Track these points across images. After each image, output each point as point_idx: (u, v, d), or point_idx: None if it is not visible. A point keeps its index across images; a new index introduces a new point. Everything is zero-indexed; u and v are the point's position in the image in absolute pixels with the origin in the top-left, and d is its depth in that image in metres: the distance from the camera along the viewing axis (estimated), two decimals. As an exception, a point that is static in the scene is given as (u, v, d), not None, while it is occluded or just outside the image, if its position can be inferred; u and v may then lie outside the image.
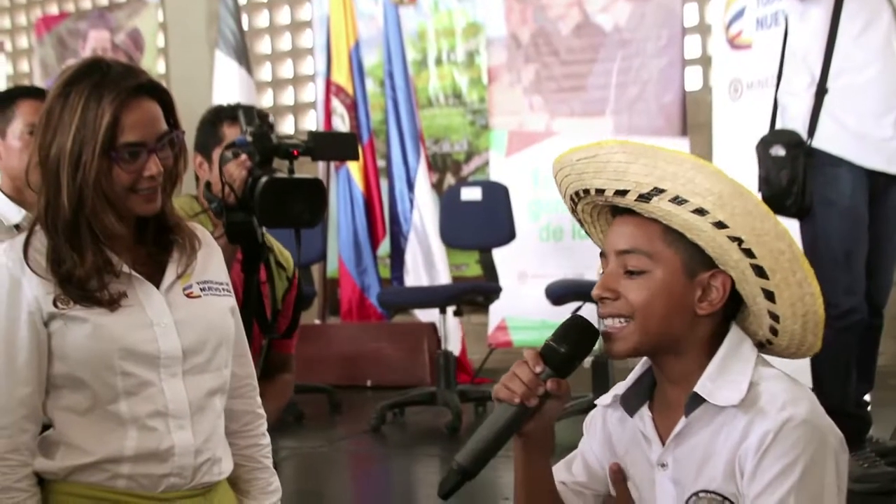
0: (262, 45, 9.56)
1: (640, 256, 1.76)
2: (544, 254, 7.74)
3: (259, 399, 2.38)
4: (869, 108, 4.31)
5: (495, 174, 7.94)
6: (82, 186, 2.04)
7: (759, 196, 1.72)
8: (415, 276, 7.76)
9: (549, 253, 7.73)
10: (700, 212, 1.68)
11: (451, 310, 6.33)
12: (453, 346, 7.23)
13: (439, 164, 8.58)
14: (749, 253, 1.69)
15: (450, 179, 8.55)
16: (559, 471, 1.99)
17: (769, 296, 1.72)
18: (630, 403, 1.87)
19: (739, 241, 1.68)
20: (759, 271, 1.70)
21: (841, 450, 1.70)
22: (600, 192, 1.79)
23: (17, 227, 2.96)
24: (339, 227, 8.05)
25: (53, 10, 10.43)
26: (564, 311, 6.02)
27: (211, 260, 2.26)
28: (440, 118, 8.62)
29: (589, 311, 5.83)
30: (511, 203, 6.71)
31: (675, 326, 1.76)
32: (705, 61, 7.89)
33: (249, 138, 2.88)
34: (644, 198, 1.72)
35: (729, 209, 1.67)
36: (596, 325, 1.84)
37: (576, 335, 1.81)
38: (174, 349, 2.11)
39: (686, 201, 1.68)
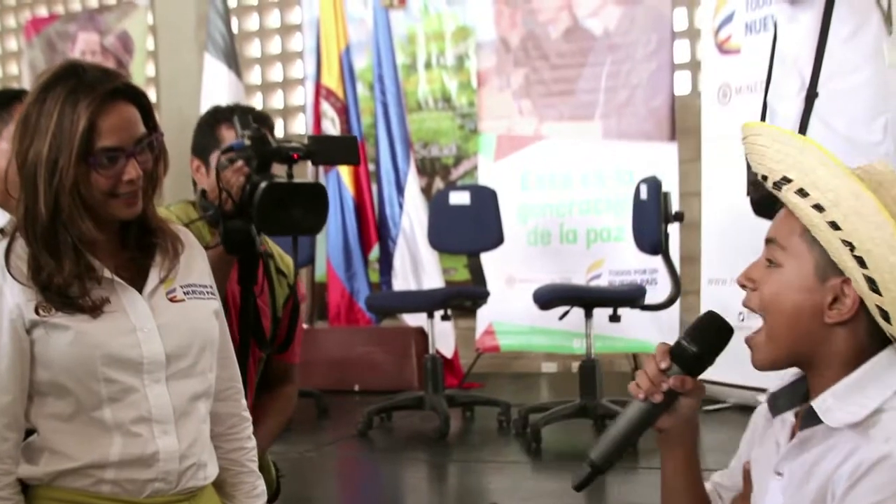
0: (252, 49, 9.55)
1: (777, 248, 1.67)
2: (532, 258, 7.74)
3: (244, 402, 2.37)
4: (859, 113, 4.34)
5: (484, 178, 7.94)
6: (59, 192, 2.02)
7: (874, 199, 1.58)
8: (403, 280, 7.76)
9: (537, 257, 7.74)
10: (818, 208, 1.59)
11: (438, 314, 6.32)
12: (445, 349, 7.23)
13: (428, 168, 8.58)
14: (861, 262, 1.57)
15: (438, 183, 8.54)
16: (722, 472, 1.93)
17: (884, 315, 1.59)
18: (777, 403, 1.76)
19: (852, 246, 1.57)
20: (872, 284, 1.57)
21: None
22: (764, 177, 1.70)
23: (1, 231, 2.94)
24: (329, 231, 8.04)
25: (42, 12, 10.40)
26: (552, 316, 6.03)
27: (194, 263, 2.25)
28: (429, 122, 8.62)
29: (576, 316, 5.85)
30: (499, 207, 6.71)
31: (804, 332, 1.65)
32: (694, 66, 7.90)
33: (247, 142, 2.81)
34: (776, 186, 1.65)
35: (844, 209, 1.57)
36: (730, 322, 1.77)
37: (709, 334, 1.76)
38: (157, 354, 2.10)
39: (808, 195, 1.60)
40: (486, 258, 6.71)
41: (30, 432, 2.12)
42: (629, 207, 6.16)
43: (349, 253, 8.01)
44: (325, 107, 8.08)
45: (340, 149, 3.14)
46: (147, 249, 2.18)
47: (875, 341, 1.62)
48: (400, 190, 7.85)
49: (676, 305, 6.06)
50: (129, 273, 2.14)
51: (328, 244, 8.05)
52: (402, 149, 7.88)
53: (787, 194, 1.62)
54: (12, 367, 2.05)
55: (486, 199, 6.76)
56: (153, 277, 2.16)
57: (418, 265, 7.72)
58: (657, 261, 6.33)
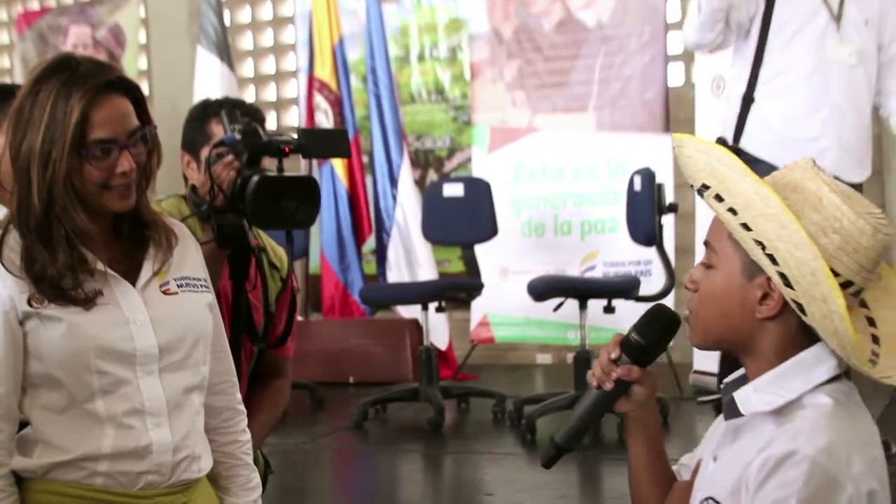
0: (244, 41, 9.54)
1: (711, 251, 1.79)
2: (526, 249, 7.74)
3: (239, 395, 2.37)
4: (795, 109, 4.43)
5: (477, 170, 7.94)
6: (52, 184, 2.02)
7: (779, 200, 1.67)
8: (397, 272, 7.76)
9: (531, 249, 7.74)
10: (732, 211, 1.69)
11: (433, 306, 6.32)
12: (440, 341, 7.23)
13: (421, 161, 8.58)
14: (773, 259, 1.66)
15: (432, 175, 8.54)
16: (689, 454, 2.01)
17: (800, 308, 1.67)
18: (728, 389, 1.83)
19: (763, 245, 1.66)
20: (785, 280, 1.66)
21: (837, 491, 1.59)
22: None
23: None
24: (322, 224, 8.03)
25: (34, 5, 10.38)
26: (546, 307, 6.03)
27: (188, 256, 2.25)
28: (422, 114, 8.61)
29: (571, 308, 5.85)
30: (493, 199, 6.71)
31: (736, 326, 1.75)
32: (688, 57, 7.89)
33: (238, 136, 2.79)
34: (699, 192, 1.75)
35: (752, 212, 1.67)
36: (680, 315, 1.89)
37: (655, 326, 1.89)
38: (150, 347, 2.10)
39: (723, 200, 1.70)
40: (480, 250, 6.71)
41: (24, 425, 2.12)
42: (623, 199, 6.16)
43: (343, 245, 8.01)
44: (319, 99, 8.06)
45: (331, 142, 3.14)
46: (140, 242, 2.18)
47: (806, 334, 1.71)
48: (393, 182, 7.85)
49: (671, 297, 6.06)
50: (122, 266, 2.14)
51: (322, 236, 8.04)
52: (395, 141, 7.87)
53: (708, 199, 1.72)
54: (6, 358, 2.05)
55: (479, 191, 6.76)
56: (146, 270, 2.16)
57: (412, 257, 7.72)
58: (651, 252, 6.33)
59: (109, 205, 2.10)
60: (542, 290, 5.96)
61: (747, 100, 4.50)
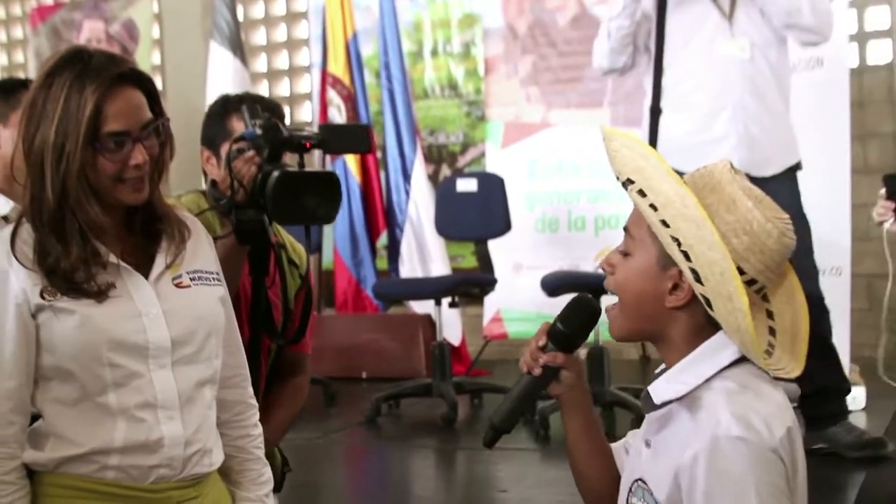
0: (258, 36, 9.53)
1: (630, 238, 1.90)
2: (539, 245, 7.73)
3: (251, 389, 2.37)
4: (698, 114, 4.50)
5: (491, 165, 7.93)
6: (66, 177, 2.02)
7: (695, 202, 1.79)
8: (410, 267, 7.75)
9: (545, 244, 7.73)
10: (653, 207, 1.79)
11: (446, 301, 6.31)
12: (453, 336, 7.22)
13: (434, 156, 8.56)
14: (686, 256, 1.77)
15: (445, 171, 8.53)
16: (633, 432, 2.11)
17: (707, 302, 1.79)
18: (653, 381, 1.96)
19: (679, 242, 1.77)
20: (696, 275, 1.77)
21: (773, 461, 1.73)
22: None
23: (5, 218, 2.94)
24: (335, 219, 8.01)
25: (48, 0, 10.39)
26: (560, 303, 5.99)
27: (200, 249, 2.25)
28: (435, 109, 8.60)
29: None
30: (507, 194, 6.70)
31: (650, 314, 1.87)
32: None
33: (258, 131, 2.76)
34: (624, 185, 1.84)
35: (671, 210, 1.78)
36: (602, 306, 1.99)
37: (575, 315, 2.00)
38: (163, 340, 2.10)
39: (646, 195, 1.81)
40: (494, 245, 6.69)
41: (35, 418, 2.12)
42: (637, 194, 6.14)
43: (356, 240, 8.00)
44: (332, 94, 8.06)
45: (352, 137, 3.09)
46: (153, 235, 2.18)
47: (713, 323, 1.82)
48: (406, 177, 7.84)
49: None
50: (135, 259, 2.14)
51: (335, 232, 8.04)
52: (408, 136, 7.86)
53: (632, 193, 1.83)
54: (18, 351, 2.05)
55: (493, 187, 6.75)
56: (159, 263, 2.15)
57: (425, 252, 7.71)
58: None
59: (123, 197, 2.10)
60: (556, 285, 5.94)
61: (654, 112, 4.59)
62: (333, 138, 2.92)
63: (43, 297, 2.04)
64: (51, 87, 2.04)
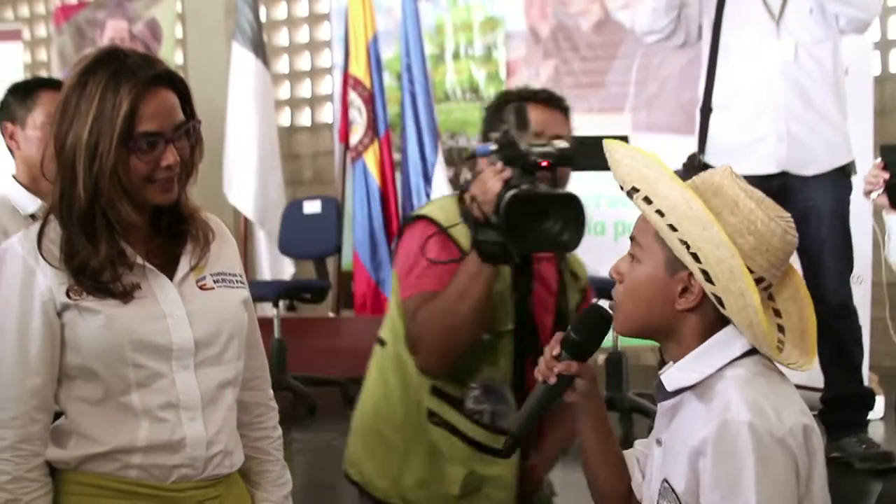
0: (280, 38, 9.55)
1: (637, 246, 1.92)
2: (559, 249, 7.70)
3: (271, 391, 2.38)
4: (741, 114, 4.54)
5: (512, 169, 7.90)
6: (98, 176, 2.03)
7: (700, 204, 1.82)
8: (429, 269, 7.72)
9: (565, 249, 7.70)
10: (660, 213, 1.83)
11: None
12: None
13: (455, 159, 8.55)
14: (696, 257, 1.80)
15: (466, 174, 8.51)
16: (642, 441, 2.13)
17: (719, 301, 1.82)
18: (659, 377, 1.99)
19: (687, 244, 1.80)
20: (707, 276, 1.80)
21: (778, 451, 1.76)
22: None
23: (32, 216, 2.96)
24: (355, 220, 8.02)
25: (72, -1, 10.44)
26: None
27: (225, 251, 2.26)
28: (457, 112, 8.59)
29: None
30: (527, 199, 6.67)
31: (658, 316, 1.90)
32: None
33: (493, 146, 2.56)
34: (629, 194, 1.89)
35: (678, 214, 1.81)
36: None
37: (588, 323, 2.03)
38: (186, 341, 2.11)
39: (651, 202, 1.84)
40: (512, 249, 6.67)
41: (58, 415, 2.14)
42: (657, 200, 6.12)
43: (375, 242, 7.99)
44: (353, 96, 8.06)
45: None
46: (178, 237, 2.18)
47: (721, 322, 1.87)
48: (427, 180, 7.82)
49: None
50: (159, 260, 2.15)
51: (354, 233, 8.03)
52: (429, 139, 7.84)
53: (637, 201, 1.87)
54: (43, 349, 2.06)
55: (513, 191, 6.72)
56: (184, 265, 2.16)
57: (444, 255, 7.68)
58: (685, 254, 6.29)
59: (152, 198, 2.10)
60: (574, 290, 5.93)
61: (705, 111, 4.58)
62: (583, 154, 2.65)
63: (69, 296, 2.06)
64: (85, 86, 2.04)
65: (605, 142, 1.97)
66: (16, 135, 3.14)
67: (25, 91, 3.17)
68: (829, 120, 4.59)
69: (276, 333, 6.72)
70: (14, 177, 3.15)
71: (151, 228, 2.17)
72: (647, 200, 1.85)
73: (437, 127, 7.91)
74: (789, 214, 1.88)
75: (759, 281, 1.83)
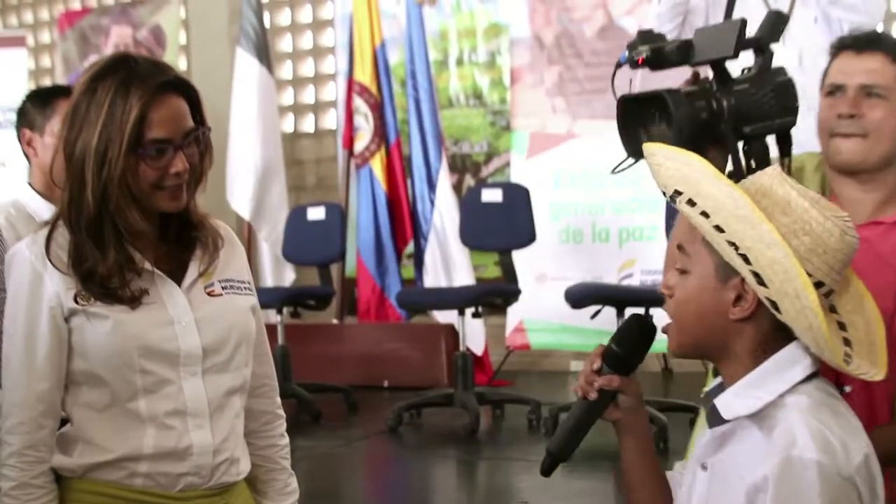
0: (283, 44, 9.55)
1: (684, 255, 1.80)
2: (564, 256, 7.71)
3: (278, 399, 2.37)
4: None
5: (516, 176, 7.92)
6: (107, 183, 2.02)
7: (749, 201, 1.71)
8: (434, 276, 7.74)
9: (569, 255, 7.71)
10: (705, 214, 1.71)
11: (470, 311, 6.30)
12: (475, 346, 7.21)
13: (458, 165, 8.55)
14: (746, 259, 1.69)
15: (469, 180, 8.52)
16: (681, 462, 2.05)
17: (774, 306, 1.70)
18: (707, 398, 1.86)
19: (736, 246, 1.69)
20: (759, 278, 1.68)
21: (847, 489, 1.63)
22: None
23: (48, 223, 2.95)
24: (360, 227, 8.02)
25: (76, 5, 10.43)
26: (582, 314, 6.00)
27: (233, 258, 2.25)
28: (460, 119, 8.59)
29: (607, 315, 5.82)
30: (532, 205, 6.68)
31: (711, 329, 1.77)
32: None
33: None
34: (672, 198, 1.77)
35: (724, 213, 1.70)
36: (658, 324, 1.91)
37: (630, 335, 1.91)
38: (194, 348, 2.10)
39: (696, 204, 1.73)
40: (518, 255, 6.68)
41: (63, 423, 2.13)
42: (662, 207, 6.11)
43: (381, 249, 7.99)
44: (358, 102, 8.06)
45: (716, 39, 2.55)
46: (187, 243, 2.17)
47: (781, 334, 1.74)
48: (431, 186, 7.83)
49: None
50: (168, 266, 2.14)
51: (358, 239, 8.04)
52: (434, 145, 7.85)
53: (681, 205, 1.75)
54: (50, 355, 2.06)
55: (518, 197, 6.74)
56: (192, 271, 2.15)
57: (449, 262, 7.69)
58: (690, 261, 6.28)
59: (160, 205, 2.09)
60: (580, 297, 5.94)
61: None
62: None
63: (76, 302, 2.05)
64: (95, 92, 2.03)
65: (644, 146, 1.86)
66: (34, 142, 3.14)
67: (44, 98, 3.17)
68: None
69: (280, 340, 6.73)
70: (30, 184, 3.15)
71: (160, 235, 2.16)
72: (691, 203, 1.73)
73: (441, 133, 7.91)
74: (847, 214, 1.76)
75: (818, 285, 1.71)
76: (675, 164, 1.78)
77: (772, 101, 2.40)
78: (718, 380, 1.87)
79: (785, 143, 2.44)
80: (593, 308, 5.91)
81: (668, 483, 2.01)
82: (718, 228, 1.69)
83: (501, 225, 6.66)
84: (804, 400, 1.71)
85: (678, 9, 4.72)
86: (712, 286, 1.76)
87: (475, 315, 6.39)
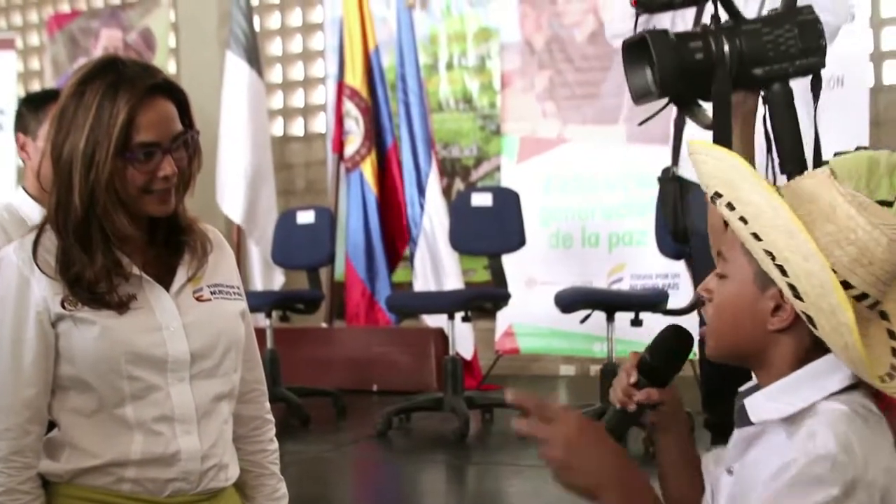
0: (273, 47, 9.54)
1: (723, 261, 1.75)
2: (553, 260, 7.72)
3: (268, 404, 2.36)
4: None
5: (506, 180, 7.92)
6: (95, 186, 2.01)
7: (788, 211, 1.63)
8: (423, 281, 7.73)
9: (559, 260, 7.71)
10: (743, 220, 1.65)
11: (459, 315, 6.29)
12: (465, 351, 7.20)
13: (448, 169, 8.55)
14: (782, 270, 1.61)
15: (458, 184, 8.51)
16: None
17: (809, 320, 1.62)
18: (740, 398, 1.80)
19: (772, 255, 1.62)
20: (795, 291, 1.61)
21: (857, 495, 1.56)
22: None
23: (36, 227, 2.95)
24: (349, 230, 8.02)
25: (65, 8, 10.41)
26: (572, 319, 6.00)
27: (222, 263, 2.24)
28: (450, 123, 8.59)
29: (597, 320, 5.81)
30: (522, 209, 6.68)
31: (748, 337, 1.72)
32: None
33: None
34: (713, 199, 1.70)
35: (762, 221, 1.62)
36: (693, 332, 1.86)
37: (666, 346, 1.86)
38: (182, 353, 2.09)
39: (735, 208, 1.66)
40: (507, 260, 6.68)
41: (51, 427, 2.12)
42: (652, 211, 6.12)
43: (371, 253, 7.98)
44: (349, 106, 8.05)
45: None
46: (175, 248, 2.16)
47: (820, 348, 1.66)
48: (421, 190, 7.82)
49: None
50: (156, 271, 2.13)
51: (348, 243, 8.03)
52: (423, 149, 7.85)
53: (721, 207, 1.68)
54: (37, 360, 2.05)
55: (508, 201, 6.73)
56: (180, 276, 2.14)
57: (439, 266, 7.69)
58: (679, 266, 6.29)
59: (149, 209, 2.09)
60: (570, 301, 5.93)
61: (679, 124, 4.59)
62: None
63: (64, 307, 2.04)
64: (83, 95, 2.03)
65: (688, 142, 1.79)
66: (27, 146, 3.15)
67: (38, 103, 3.18)
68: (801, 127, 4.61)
69: (269, 344, 6.72)
70: (24, 187, 3.15)
71: (149, 239, 2.15)
72: (731, 207, 1.66)
73: (431, 137, 7.91)
74: None
75: (862, 297, 1.63)
76: (720, 164, 1.72)
77: (790, 40, 2.24)
78: (753, 381, 1.80)
79: (816, 88, 2.31)
80: (583, 312, 5.91)
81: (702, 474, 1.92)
82: (756, 236, 1.63)
83: (491, 229, 6.65)
84: (837, 407, 1.63)
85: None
86: (751, 294, 1.70)
87: (464, 319, 6.38)
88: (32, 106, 3.17)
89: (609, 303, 5.92)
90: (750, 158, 1.99)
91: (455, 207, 7.15)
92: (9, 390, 2.04)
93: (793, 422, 1.65)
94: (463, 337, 7.12)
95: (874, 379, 1.63)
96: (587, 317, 5.90)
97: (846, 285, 1.61)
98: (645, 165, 7.40)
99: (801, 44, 2.22)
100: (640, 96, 2.23)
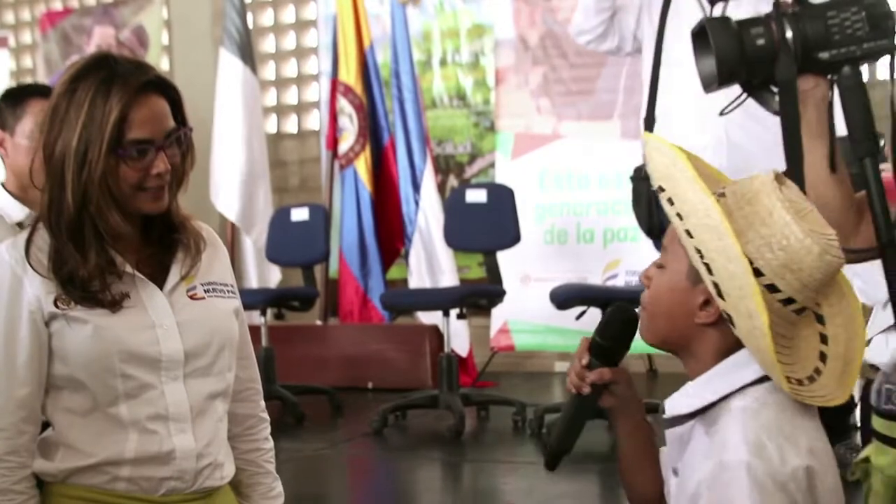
0: (266, 44, 9.53)
1: (664, 251, 1.82)
2: (548, 257, 7.71)
3: (262, 403, 2.35)
4: (682, 123, 4.54)
5: (501, 176, 7.92)
6: (87, 184, 2.00)
7: (719, 212, 1.68)
8: (418, 278, 7.73)
9: (553, 256, 7.71)
10: (679, 216, 1.71)
11: (454, 312, 6.29)
12: (460, 348, 7.20)
13: (442, 166, 8.54)
14: (709, 268, 1.68)
15: (452, 181, 8.51)
16: None
17: (729, 319, 1.69)
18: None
19: (701, 254, 1.68)
20: (718, 290, 1.68)
21: (777, 496, 1.61)
22: None
23: (20, 225, 2.93)
24: (343, 228, 8.01)
25: (58, 5, 10.38)
26: (567, 315, 5.99)
27: (216, 261, 2.23)
28: (444, 119, 8.58)
29: (592, 316, 5.81)
30: (516, 206, 6.67)
31: (678, 328, 1.78)
32: (713, 66, 7.83)
33: None
34: (658, 191, 1.77)
35: (695, 220, 1.69)
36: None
37: (614, 325, 1.92)
38: (176, 352, 2.08)
39: (674, 203, 1.73)
40: (502, 256, 6.67)
41: (45, 426, 2.11)
42: (647, 208, 6.12)
43: (365, 250, 7.98)
44: (343, 103, 8.04)
45: None
46: (169, 246, 2.15)
47: (742, 343, 1.72)
48: (416, 187, 7.81)
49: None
50: (150, 269, 2.12)
51: (342, 241, 8.02)
52: (418, 146, 7.84)
53: (663, 201, 1.75)
54: (30, 359, 2.04)
55: (503, 198, 6.73)
56: (174, 274, 2.13)
57: (433, 263, 7.68)
58: (674, 261, 6.28)
59: (142, 206, 2.08)
60: (565, 298, 5.93)
61: (648, 122, 4.59)
62: None
63: (56, 306, 2.03)
64: (75, 92, 2.01)
65: (644, 135, 1.85)
66: (5, 142, 3.11)
67: (16, 98, 3.13)
68: (768, 126, 4.62)
69: (264, 342, 6.71)
70: (2, 184, 3.12)
71: (142, 237, 2.14)
72: (671, 202, 1.72)
73: (426, 134, 7.90)
74: (833, 232, 1.71)
75: (788, 301, 1.69)
76: (663, 158, 1.77)
77: (857, 23, 2.18)
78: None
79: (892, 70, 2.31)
80: (578, 309, 5.90)
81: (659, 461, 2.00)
82: (689, 233, 1.69)
83: (486, 226, 6.65)
84: (749, 402, 1.70)
85: (604, 3, 4.73)
86: (684, 286, 1.76)
87: (459, 316, 6.38)
88: (10, 101, 3.13)
89: (604, 299, 5.91)
90: (830, 146, 2.00)
91: (450, 204, 7.14)
92: (2, 390, 2.03)
93: (710, 419, 1.72)
94: (458, 334, 7.12)
95: (782, 380, 1.68)
96: (582, 313, 5.90)
97: (773, 288, 1.68)
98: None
99: (869, 26, 2.18)
100: (707, 84, 2.24)
